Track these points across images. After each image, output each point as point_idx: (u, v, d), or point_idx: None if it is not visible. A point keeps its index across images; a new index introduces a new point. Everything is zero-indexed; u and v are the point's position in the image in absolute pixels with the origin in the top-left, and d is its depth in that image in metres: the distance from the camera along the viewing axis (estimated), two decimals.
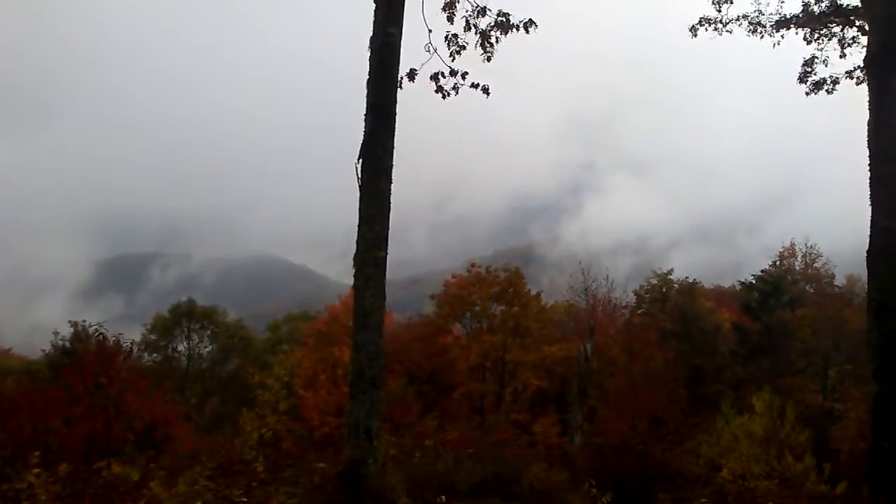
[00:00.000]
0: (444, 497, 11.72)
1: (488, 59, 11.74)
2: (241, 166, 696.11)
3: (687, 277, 49.37)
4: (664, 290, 47.28)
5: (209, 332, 55.95)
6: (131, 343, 33.81)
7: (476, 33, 11.57)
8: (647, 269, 51.56)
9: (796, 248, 49.00)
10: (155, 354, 53.87)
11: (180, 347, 55.18)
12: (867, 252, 12.85)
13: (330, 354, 41.85)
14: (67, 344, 37.73)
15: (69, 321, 38.56)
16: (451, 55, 11.59)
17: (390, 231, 10.75)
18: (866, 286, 13.62)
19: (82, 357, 30.28)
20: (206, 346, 56.08)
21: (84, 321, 36.82)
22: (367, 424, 10.29)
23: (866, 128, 13.08)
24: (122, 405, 28.31)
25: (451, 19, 11.53)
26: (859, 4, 14.68)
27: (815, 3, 15.63)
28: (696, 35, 16.48)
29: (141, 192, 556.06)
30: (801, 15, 15.78)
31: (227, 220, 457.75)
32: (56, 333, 39.38)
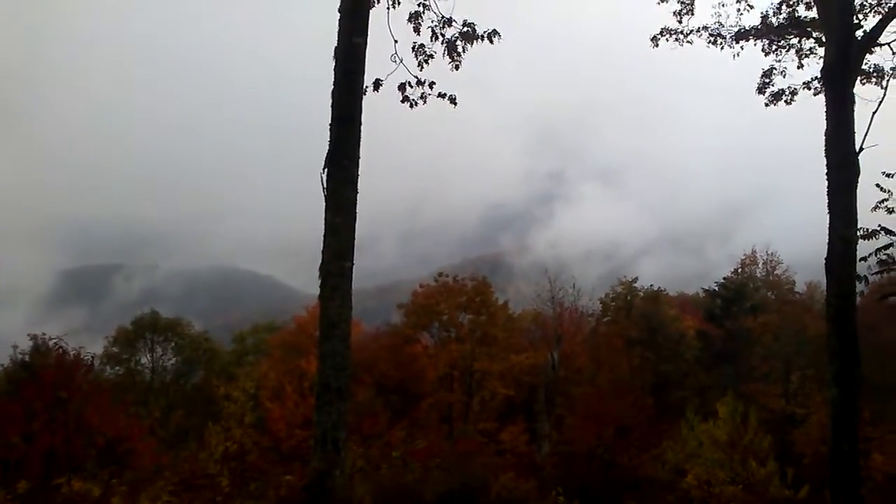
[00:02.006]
0: None
1: (456, 68, 11.78)
2: (208, 176, 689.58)
3: (651, 285, 49.92)
4: (629, 297, 47.73)
5: (173, 345, 55.11)
6: (92, 356, 33.12)
7: (442, 43, 11.61)
8: (618, 277, 52.05)
9: (757, 255, 49.81)
10: (117, 367, 52.90)
11: (144, 360, 54.25)
12: (826, 259, 13.09)
13: (297, 366, 41.51)
14: (26, 357, 36.85)
15: (28, 334, 37.69)
16: (418, 64, 11.59)
17: (358, 240, 10.70)
18: (825, 292, 13.86)
19: (41, 371, 29.63)
20: (170, 359, 55.19)
21: (44, 334, 36.00)
22: (334, 436, 10.19)
23: (823, 137, 13.36)
24: (82, 420, 27.73)
25: (417, 30, 11.54)
26: (816, 17, 15.02)
27: (774, 16, 15.96)
28: (657, 45, 16.74)
29: (106, 202, 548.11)
30: (759, 27, 16.10)
31: (193, 231, 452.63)
32: (15, 347, 38.44)
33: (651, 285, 49.94)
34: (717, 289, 46.42)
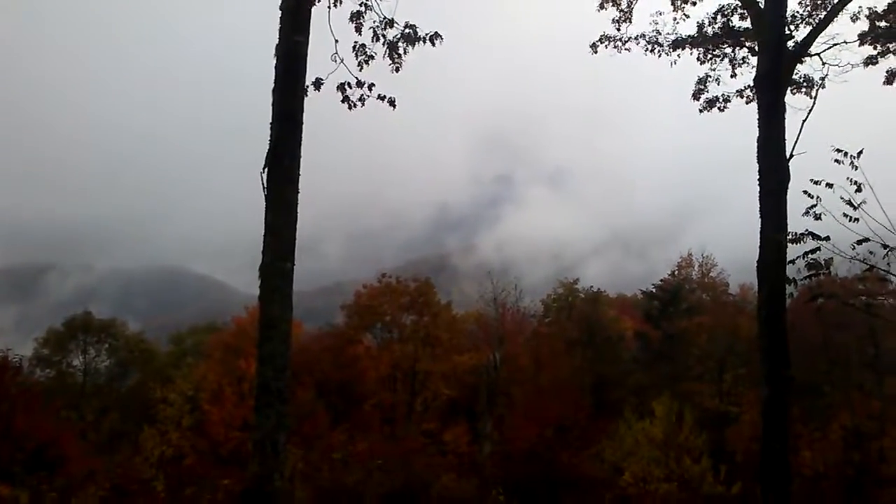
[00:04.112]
0: None
1: (397, 70, 11.72)
2: (146, 174, 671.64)
3: (591, 287, 50.63)
4: (570, 299, 48.33)
5: (107, 346, 53.66)
6: (21, 358, 32.06)
7: (384, 44, 11.55)
8: (559, 279, 52.65)
9: (693, 258, 50.87)
10: (48, 370, 51.27)
11: (76, 362, 52.74)
12: (757, 262, 13.48)
13: (237, 367, 40.82)
14: None
15: None
16: (359, 65, 11.49)
17: (302, 241, 10.55)
18: (757, 294, 14.25)
19: None
20: (103, 361, 53.79)
21: None
22: (274, 438, 10.03)
23: (756, 144, 13.75)
24: (10, 424, 26.81)
25: (358, 30, 11.44)
26: (750, 27, 15.48)
27: (709, 25, 16.39)
28: (595, 51, 17.09)
29: (38, 199, 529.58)
30: (695, 35, 16.52)
31: (130, 230, 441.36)
32: None
33: (591, 287, 50.70)
34: (654, 290, 47.32)
